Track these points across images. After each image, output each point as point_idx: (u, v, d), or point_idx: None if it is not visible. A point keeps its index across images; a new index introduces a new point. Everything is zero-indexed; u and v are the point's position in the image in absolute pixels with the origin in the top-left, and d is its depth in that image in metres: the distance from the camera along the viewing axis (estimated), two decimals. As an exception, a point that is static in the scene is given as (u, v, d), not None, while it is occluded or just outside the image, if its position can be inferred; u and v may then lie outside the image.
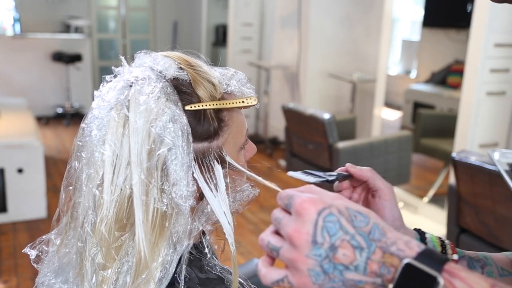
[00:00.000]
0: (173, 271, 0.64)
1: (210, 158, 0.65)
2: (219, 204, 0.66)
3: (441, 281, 0.43)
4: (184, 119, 0.63)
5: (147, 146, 0.61)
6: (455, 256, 0.69)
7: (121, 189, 0.62)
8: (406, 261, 0.44)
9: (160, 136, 0.61)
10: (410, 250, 0.45)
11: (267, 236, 0.49)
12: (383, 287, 0.46)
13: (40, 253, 0.69)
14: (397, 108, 6.47)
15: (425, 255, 0.45)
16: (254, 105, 0.70)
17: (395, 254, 0.45)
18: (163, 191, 0.62)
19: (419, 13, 6.38)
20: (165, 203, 0.62)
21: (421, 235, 0.72)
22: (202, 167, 0.65)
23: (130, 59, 0.70)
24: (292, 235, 0.46)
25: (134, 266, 0.62)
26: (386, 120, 5.72)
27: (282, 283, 0.48)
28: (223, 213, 0.65)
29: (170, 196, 0.62)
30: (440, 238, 0.71)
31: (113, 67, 0.68)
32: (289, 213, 0.49)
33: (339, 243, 0.45)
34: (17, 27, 6.68)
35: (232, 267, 0.67)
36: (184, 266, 0.64)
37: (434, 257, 0.45)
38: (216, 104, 0.65)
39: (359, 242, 0.46)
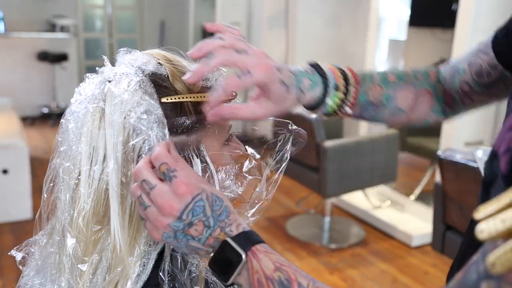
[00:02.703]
0: (151, 267, 0.64)
1: (188, 151, 0.65)
2: None
3: (243, 257, 0.56)
4: (159, 111, 0.63)
5: (121, 137, 0.61)
6: (352, 91, 0.75)
7: (98, 182, 0.62)
8: (226, 238, 0.57)
9: (134, 127, 0.62)
10: (236, 231, 0.58)
11: (137, 190, 0.58)
12: (208, 253, 0.59)
13: (26, 255, 0.69)
14: (384, 107, 6.50)
15: (241, 237, 0.57)
16: (233, 99, 0.70)
17: (227, 233, 0.58)
18: None
19: (406, 12, 6.42)
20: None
21: (317, 68, 0.73)
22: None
23: (115, 60, 0.70)
24: (163, 206, 0.57)
25: (110, 259, 0.62)
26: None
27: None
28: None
29: None
30: (341, 69, 0.75)
31: (97, 68, 0.68)
32: (161, 179, 0.58)
33: (196, 221, 0.57)
34: (1, 26, 6.60)
35: (198, 266, 0.67)
36: (167, 264, 0.64)
37: (248, 239, 0.58)
38: (193, 97, 0.66)
39: (209, 223, 0.58)
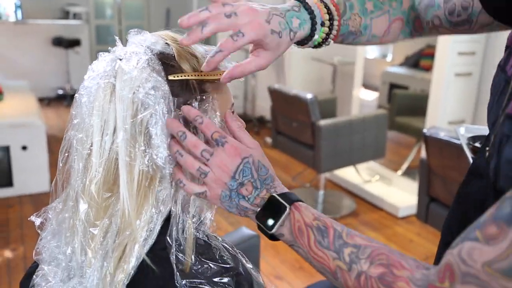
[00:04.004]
0: (157, 232, 0.64)
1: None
2: None
3: (287, 209, 0.60)
4: (166, 87, 0.62)
5: (130, 111, 0.61)
6: (336, 21, 0.72)
7: (109, 152, 0.62)
8: (272, 194, 0.62)
9: (142, 102, 0.61)
10: (280, 191, 0.63)
11: (195, 164, 0.62)
12: (255, 212, 0.63)
13: (44, 220, 0.69)
14: (374, 89, 6.47)
15: (285, 195, 0.62)
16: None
17: (272, 193, 0.62)
18: (145, 154, 0.62)
19: (395, 0, 6.34)
20: (147, 165, 0.62)
21: (304, 3, 0.68)
22: None
23: (126, 42, 0.69)
24: (221, 166, 0.61)
25: (119, 224, 0.62)
26: (364, 100, 5.72)
27: (201, 195, 0.63)
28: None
29: (151, 158, 0.62)
30: (324, 2, 0.71)
31: (109, 48, 0.68)
32: (212, 146, 0.62)
33: (246, 182, 0.62)
34: (19, 13, 6.54)
35: (188, 239, 0.65)
36: (174, 229, 0.64)
37: (290, 197, 0.62)
38: (198, 75, 0.65)
39: (257, 184, 0.62)
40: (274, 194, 0.61)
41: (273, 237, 0.62)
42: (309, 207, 0.61)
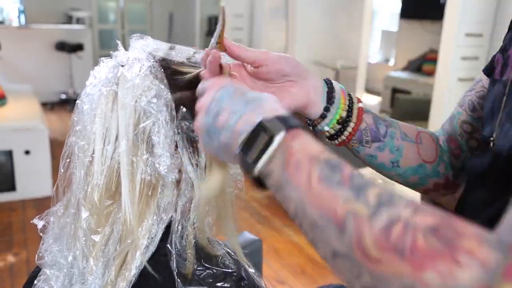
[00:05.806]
0: (159, 240, 0.63)
1: (195, 134, 0.64)
2: (197, 178, 0.65)
3: (281, 135, 0.43)
4: (168, 95, 0.62)
5: (132, 119, 0.61)
6: (360, 104, 0.70)
7: (110, 161, 0.62)
8: (260, 118, 0.45)
9: (145, 110, 0.61)
10: (271, 115, 0.46)
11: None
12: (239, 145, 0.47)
13: (46, 223, 0.69)
14: (377, 93, 6.48)
15: (280, 119, 0.45)
16: None
17: (258, 115, 0.46)
18: (148, 162, 0.62)
19: (397, 5, 6.36)
20: (150, 173, 0.62)
21: (329, 84, 0.70)
22: (187, 141, 0.65)
23: (128, 47, 0.69)
24: (197, 108, 0.54)
25: (120, 232, 0.62)
26: (366, 104, 5.71)
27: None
28: (198, 187, 0.65)
29: (154, 167, 0.62)
30: (349, 93, 0.71)
31: (111, 52, 0.68)
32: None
33: (222, 111, 0.49)
34: (22, 18, 6.57)
35: (187, 245, 0.65)
36: (175, 236, 0.64)
37: (287, 120, 0.44)
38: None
39: (236, 108, 0.48)
40: (262, 119, 0.45)
41: (260, 180, 0.46)
42: (312, 138, 0.44)
